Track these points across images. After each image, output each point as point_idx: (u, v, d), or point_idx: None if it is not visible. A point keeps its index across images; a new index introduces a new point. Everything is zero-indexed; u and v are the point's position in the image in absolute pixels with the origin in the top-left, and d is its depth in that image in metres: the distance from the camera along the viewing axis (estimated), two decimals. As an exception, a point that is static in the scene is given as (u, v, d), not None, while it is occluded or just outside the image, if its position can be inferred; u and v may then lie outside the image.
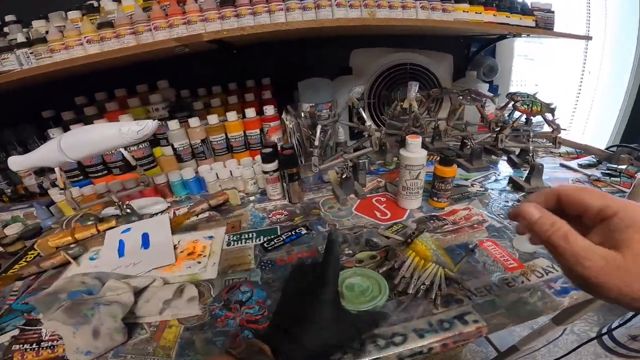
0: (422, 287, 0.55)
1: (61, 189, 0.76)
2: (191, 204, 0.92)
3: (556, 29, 1.16)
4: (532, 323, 1.42)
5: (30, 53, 0.78)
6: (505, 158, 1.06)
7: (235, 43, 1.01)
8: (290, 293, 0.49)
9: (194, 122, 0.99)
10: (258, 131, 1.04)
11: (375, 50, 1.24)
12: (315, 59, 1.30)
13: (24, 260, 0.80)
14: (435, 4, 0.95)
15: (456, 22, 0.98)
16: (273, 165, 0.87)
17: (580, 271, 0.30)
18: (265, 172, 0.88)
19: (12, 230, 0.93)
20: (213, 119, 1.01)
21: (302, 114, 1.02)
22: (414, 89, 0.98)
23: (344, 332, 0.44)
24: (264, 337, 0.41)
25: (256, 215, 0.87)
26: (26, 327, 0.58)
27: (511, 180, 0.92)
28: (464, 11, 0.99)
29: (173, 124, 0.97)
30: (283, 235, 0.76)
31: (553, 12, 1.09)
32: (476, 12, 1.00)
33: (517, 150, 1.03)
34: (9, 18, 0.98)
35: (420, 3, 0.93)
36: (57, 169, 0.73)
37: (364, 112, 0.92)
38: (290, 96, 1.25)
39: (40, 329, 0.57)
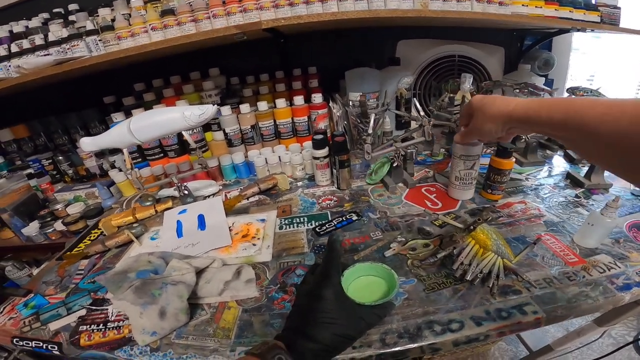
0: (479, 275, 0.52)
1: (129, 169, 0.76)
2: (241, 187, 0.90)
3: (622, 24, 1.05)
4: (567, 324, 1.32)
5: (99, 40, 0.78)
6: (562, 153, 0.98)
7: (285, 31, 0.98)
8: (301, 295, 0.49)
9: (244, 108, 0.97)
10: (306, 118, 1.00)
11: (423, 42, 1.16)
12: (361, 48, 1.25)
13: (88, 238, 0.80)
14: (491, -3, 0.87)
15: (514, 15, 0.90)
16: (324, 152, 0.84)
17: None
18: (315, 158, 0.85)
19: (75, 209, 0.95)
20: (262, 105, 0.98)
21: (351, 103, 0.98)
22: (468, 80, 0.91)
23: (352, 324, 0.43)
24: (279, 338, 0.41)
25: (306, 200, 0.84)
26: (93, 307, 0.57)
27: (569, 176, 0.84)
28: (522, 5, 0.91)
29: (225, 110, 0.95)
30: (334, 221, 0.73)
31: (619, 7, 0.99)
32: (536, 6, 0.92)
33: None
34: (72, 7, 1.00)
35: (475, -5, 0.86)
36: (125, 151, 0.73)
37: (417, 102, 0.87)
38: (336, 85, 1.21)
39: (107, 309, 0.56)
